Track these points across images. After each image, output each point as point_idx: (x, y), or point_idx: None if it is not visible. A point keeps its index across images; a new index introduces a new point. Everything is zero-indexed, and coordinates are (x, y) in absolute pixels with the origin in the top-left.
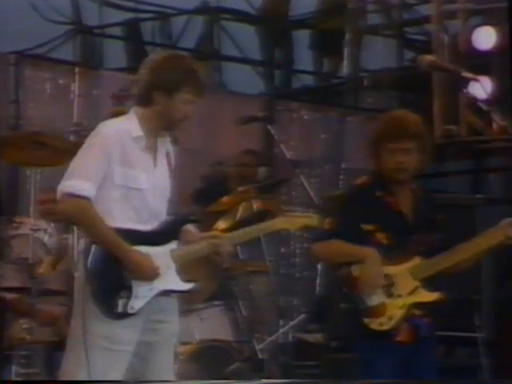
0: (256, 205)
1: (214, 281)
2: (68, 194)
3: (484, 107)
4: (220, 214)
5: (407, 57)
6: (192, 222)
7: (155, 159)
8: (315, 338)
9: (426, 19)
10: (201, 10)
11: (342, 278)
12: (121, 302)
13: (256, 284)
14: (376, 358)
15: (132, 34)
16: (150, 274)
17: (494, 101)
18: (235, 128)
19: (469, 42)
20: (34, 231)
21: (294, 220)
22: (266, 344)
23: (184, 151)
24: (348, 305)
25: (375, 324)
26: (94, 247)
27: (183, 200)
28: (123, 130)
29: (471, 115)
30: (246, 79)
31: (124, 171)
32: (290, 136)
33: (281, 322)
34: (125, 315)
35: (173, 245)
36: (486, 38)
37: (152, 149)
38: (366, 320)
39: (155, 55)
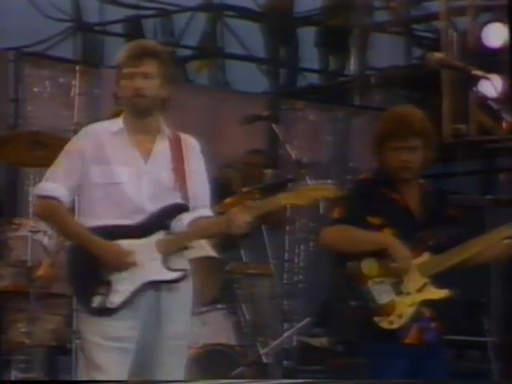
0: None
1: (217, 284)
2: (37, 196)
3: (494, 106)
4: None
5: (415, 54)
6: (181, 211)
7: (147, 152)
8: (320, 341)
9: (435, 16)
10: (204, 7)
11: (351, 276)
12: (99, 298)
13: (259, 287)
14: (385, 360)
15: (133, 32)
16: (124, 261)
17: (505, 99)
18: (239, 127)
19: (478, 39)
20: (34, 233)
21: (302, 194)
22: (269, 348)
23: None
24: (357, 303)
25: (385, 322)
26: (70, 245)
27: None
28: (100, 128)
29: (481, 114)
30: (250, 77)
31: (101, 169)
32: (296, 135)
33: (285, 326)
34: (105, 310)
35: (159, 236)
36: (496, 35)
37: (140, 142)
38: (376, 318)
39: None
